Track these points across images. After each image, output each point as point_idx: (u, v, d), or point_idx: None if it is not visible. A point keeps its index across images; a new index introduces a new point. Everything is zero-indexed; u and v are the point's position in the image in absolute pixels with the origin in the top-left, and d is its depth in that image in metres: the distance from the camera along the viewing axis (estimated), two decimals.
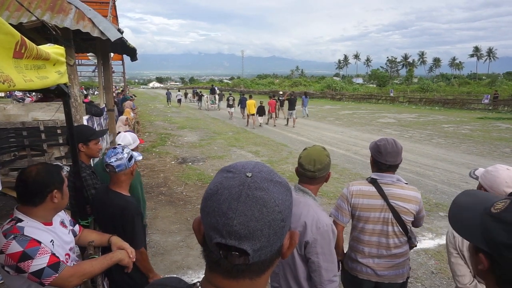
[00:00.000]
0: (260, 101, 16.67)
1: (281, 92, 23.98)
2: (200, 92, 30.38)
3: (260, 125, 16.13)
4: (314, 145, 1.92)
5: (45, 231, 1.53)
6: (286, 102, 16.66)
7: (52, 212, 1.61)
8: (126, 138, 3.07)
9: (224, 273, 0.59)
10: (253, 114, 15.88)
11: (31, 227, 1.48)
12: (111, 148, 2.12)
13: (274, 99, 17.49)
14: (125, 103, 11.53)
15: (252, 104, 15.87)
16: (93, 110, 4.55)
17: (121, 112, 9.98)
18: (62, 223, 1.72)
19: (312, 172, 1.77)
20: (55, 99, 4.55)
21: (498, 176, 1.67)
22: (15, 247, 1.37)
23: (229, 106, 19.34)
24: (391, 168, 2.12)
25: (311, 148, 1.86)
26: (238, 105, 19.07)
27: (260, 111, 15.98)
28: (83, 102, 4.80)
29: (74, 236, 1.84)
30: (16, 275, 1.39)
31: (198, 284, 0.63)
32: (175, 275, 1.75)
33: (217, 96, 25.83)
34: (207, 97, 26.48)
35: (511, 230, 0.68)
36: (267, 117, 16.87)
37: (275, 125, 16.31)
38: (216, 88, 28.60)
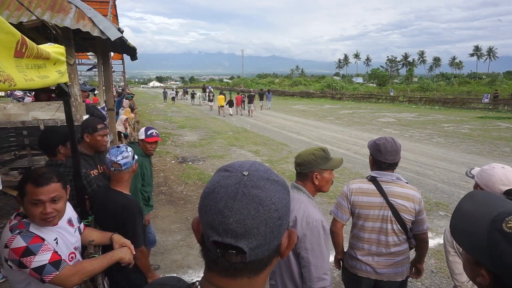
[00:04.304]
0: (229, 96, 22.94)
1: (252, 89, 31.24)
2: (193, 91, 35.88)
3: (231, 115, 21.01)
4: (316, 145, 1.97)
5: (50, 229, 1.55)
6: (257, 96, 24.40)
7: None
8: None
9: (222, 271, 0.59)
10: (222, 106, 21.19)
11: (37, 223, 1.50)
12: (114, 147, 2.13)
13: (241, 95, 23.61)
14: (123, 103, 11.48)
15: (221, 98, 21.36)
16: (95, 113, 4.54)
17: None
18: (69, 222, 1.72)
19: (295, 166, 1.87)
20: (53, 99, 4.55)
21: (494, 175, 1.68)
22: (19, 242, 1.39)
23: (210, 100, 25.06)
24: (391, 166, 2.13)
25: (311, 147, 1.91)
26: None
27: (230, 103, 21.56)
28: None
29: (80, 233, 1.84)
30: (18, 270, 1.41)
31: (197, 283, 0.63)
32: (175, 274, 1.75)
33: (210, 95, 29.20)
34: (199, 95, 31.72)
35: None
36: (237, 109, 22.12)
37: (241, 114, 21.58)
38: (210, 87, 34.94)
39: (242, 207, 0.55)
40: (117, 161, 2.02)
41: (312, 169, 1.80)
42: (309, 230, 1.66)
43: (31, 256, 1.38)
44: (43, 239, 1.45)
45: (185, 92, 40.94)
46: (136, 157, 2.24)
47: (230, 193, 0.57)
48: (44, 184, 1.46)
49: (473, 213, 0.73)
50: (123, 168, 2.04)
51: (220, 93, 23.09)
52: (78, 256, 1.72)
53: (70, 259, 1.61)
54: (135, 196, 2.99)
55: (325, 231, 1.70)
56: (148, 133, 3.15)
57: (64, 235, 1.61)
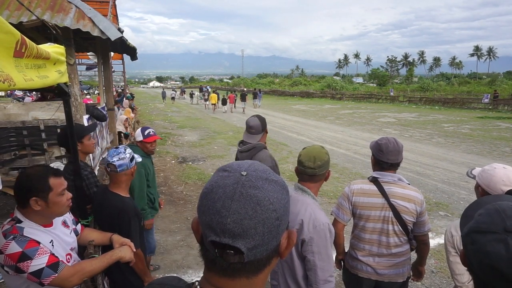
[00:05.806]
0: (223, 95, 25.27)
1: (245, 89, 32.83)
2: (192, 91, 37.99)
3: (224, 112, 22.85)
4: (313, 145, 1.95)
5: (45, 232, 1.53)
6: (251, 95, 27.60)
7: (48, 217, 1.57)
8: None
9: (220, 271, 0.59)
10: (214, 104, 23.44)
11: (31, 227, 1.48)
12: (113, 147, 2.12)
13: (234, 94, 25.60)
14: (123, 103, 11.49)
15: (213, 97, 23.64)
16: (95, 112, 4.54)
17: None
18: (64, 223, 1.72)
19: (312, 169, 1.79)
20: (54, 99, 4.56)
21: (495, 175, 1.67)
22: (14, 248, 1.37)
23: (205, 100, 26.68)
24: (393, 166, 2.12)
25: (310, 147, 1.88)
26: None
27: (223, 101, 23.46)
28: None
29: (76, 235, 1.84)
30: (16, 275, 1.39)
31: (197, 283, 0.63)
32: (175, 275, 1.75)
33: (206, 94, 30.44)
34: (197, 94, 33.83)
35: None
36: (230, 107, 23.82)
37: (232, 112, 23.12)
38: (209, 87, 38.13)
39: (239, 207, 0.55)
40: (112, 162, 1.99)
41: (328, 167, 1.87)
42: (316, 233, 1.66)
43: (28, 261, 1.37)
44: (38, 243, 1.43)
45: (183, 92, 44.37)
46: (139, 159, 2.20)
47: (228, 193, 0.57)
48: (61, 174, 1.61)
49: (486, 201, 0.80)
50: (118, 170, 2.00)
51: (213, 92, 24.88)
52: (75, 256, 1.72)
53: (67, 261, 1.60)
54: (141, 199, 2.93)
55: (331, 234, 1.71)
56: (145, 134, 3.07)
57: (59, 237, 1.60)
